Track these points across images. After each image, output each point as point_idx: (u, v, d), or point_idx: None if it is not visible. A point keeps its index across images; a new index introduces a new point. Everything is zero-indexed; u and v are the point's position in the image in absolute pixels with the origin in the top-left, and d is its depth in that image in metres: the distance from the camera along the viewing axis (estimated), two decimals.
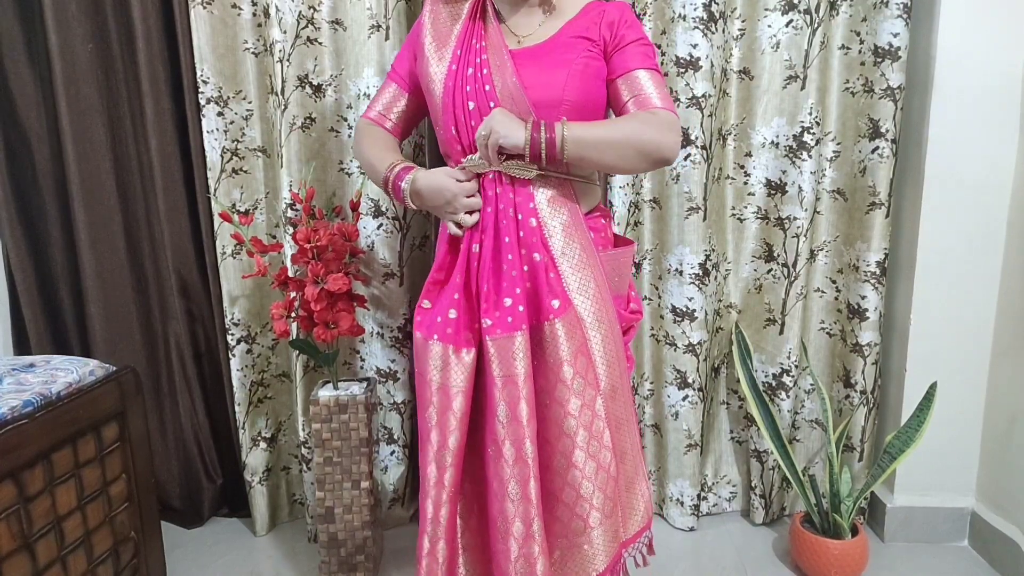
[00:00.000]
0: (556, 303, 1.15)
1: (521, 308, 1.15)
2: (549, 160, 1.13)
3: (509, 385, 1.14)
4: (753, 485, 1.97)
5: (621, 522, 1.24)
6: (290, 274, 1.76)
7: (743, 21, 1.80)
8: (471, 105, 1.17)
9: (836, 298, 1.90)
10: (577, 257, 1.19)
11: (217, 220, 1.82)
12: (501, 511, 1.15)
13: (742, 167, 1.87)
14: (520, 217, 1.17)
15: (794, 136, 1.79)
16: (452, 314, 1.18)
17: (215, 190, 1.82)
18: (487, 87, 1.16)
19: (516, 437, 1.13)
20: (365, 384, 1.77)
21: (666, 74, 1.77)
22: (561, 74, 1.15)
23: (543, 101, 1.15)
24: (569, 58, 1.17)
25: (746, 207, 1.89)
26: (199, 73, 1.75)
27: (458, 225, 1.21)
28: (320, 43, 1.78)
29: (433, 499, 1.18)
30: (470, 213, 1.19)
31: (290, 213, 1.80)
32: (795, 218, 1.81)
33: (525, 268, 1.17)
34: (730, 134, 1.86)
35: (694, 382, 1.88)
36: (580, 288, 1.18)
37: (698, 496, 1.96)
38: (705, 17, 1.70)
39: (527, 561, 1.14)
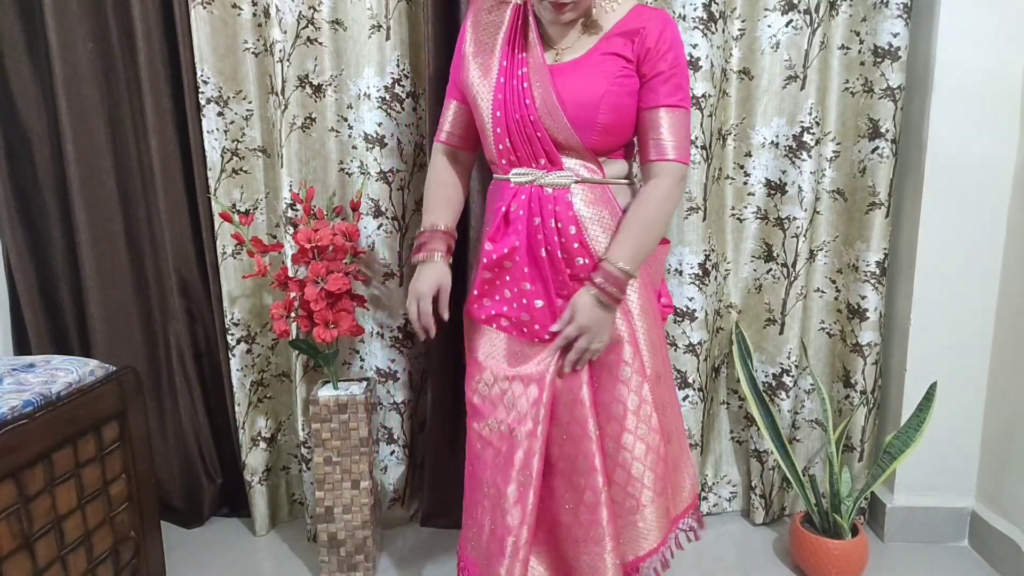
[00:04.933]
0: None
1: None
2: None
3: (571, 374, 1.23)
4: (753, 485, 1.97)
5: (671, 500, 1.33)
6: (290, 274, 1.76)
7: (743, 21, 1.80)
8: (517, 116, 1.22)
9: (836, 298, 1.90)
10: None
11: (217, 220, 1.82)
12: (571, 486, 1.23)
13: (742, 167, 1.87)
14: (560, 226, 1.22)
15: (794, 136, 1.79)
16: (525, 316, 1.25)
17: (215, 190, 1.82)
18: (527, 100, 1.20)
19: (580, 418, 1.22)
20: (365, 384, 1.77)
21: None
22: (596, 95, 1.18)
23: (578, 122, 1.19)
24: (605, 79, 1.19)
25: (746, 207, 1.89)
26: (199, 73, 1.75)
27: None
28: (320, 43, 1.78)
29: (519, 511, 1.21)
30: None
31: (290, 213, 1.80)
32: (795, 218, 1.81)
33: (568, 271, 1.23)
34: (730, 134, 1.86)
35: (694, 382, 1.88)
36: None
37: (698, 496, 1.96)
38: (705, 17, 1.70)
39: (598, 526, 1.21)
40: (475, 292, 1.32)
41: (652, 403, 1.25)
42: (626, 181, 1.30)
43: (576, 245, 1.22)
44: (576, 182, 1.23)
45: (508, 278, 1.27)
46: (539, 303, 1.24)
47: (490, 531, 1.24)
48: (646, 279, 1.30)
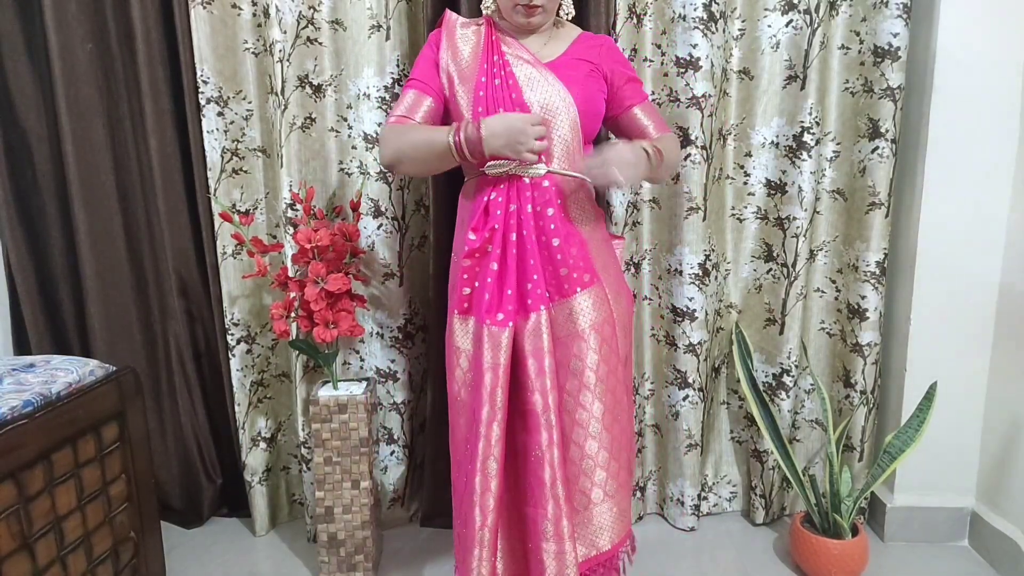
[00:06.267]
0: (587, 277, 1.30)
1: (540, 291, 1.28)
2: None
3: (537, 357, 1.26)
4: (753, 485, 1.97)
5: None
6: (290, 274, 1.76)
7: (743, 21, 1.80)
8: (500, 111, 1.31)
9: (836, 298, 1.90)
10: (599, 242, 1.38)
11: (217, 220, 1.82)
12: (529, 473, 1.27)
13: (742, 167, 1.87)
14: (538, 209, 1.31)
15: (794, 136, 1.79)
16: (509, 292, 1.29)
17: (215, 190, 1.82)
18: (513, 95, 1.31)
19: (544, 405, 1.26)
20: (365, 384, 1.77)
21: (666, 74, 1.78)
22: (574, 89, 1.33)
23: None
24: (577, 76, 1.35)
25: (746, 207, 1.89)
26: (199, 73, 1.75)
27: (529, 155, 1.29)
28: (320, 43, 1.78)
29: (481, 467, 1.24)
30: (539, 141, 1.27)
31: (290, 213, 1.80)
32: (795, 218, 1.81)
33: (546, 252, 1.30)
34: (730, 134, 1.86)
35: (694, 382, 1.88)
36: (603, 268, 1.35)
37: (698, 496, 1.96)
38: (705, 17, 1.70)
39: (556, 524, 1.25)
40: (457, 283, 1.35)
41: (624, 383, 1.34)
42: (587, 179, 1.36)
43: (552, 227, 1.29)
44: (549, 171, 1.32)
45: (487, 264, 1.31)
46: (509, 291, 1.29)
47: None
48: (620, 267, 1.43)
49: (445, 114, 1.41)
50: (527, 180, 1.31)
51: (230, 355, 1.89)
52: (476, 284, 1.32)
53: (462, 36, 1.39)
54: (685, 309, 1.85)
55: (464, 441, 1.32)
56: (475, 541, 1.23)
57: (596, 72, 1.38)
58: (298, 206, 1.78)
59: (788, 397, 1.89)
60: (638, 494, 2.00)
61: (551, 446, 1.23)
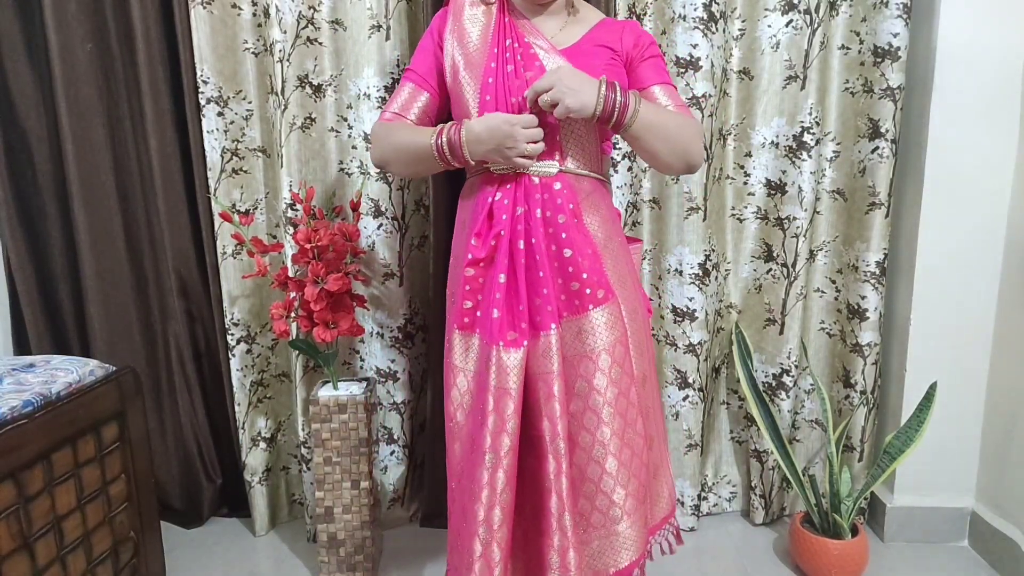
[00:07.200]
0: (601, 293, 1.18)
1: (551, 308, 1.16)
2: (615, 126, 1.16)
3: (546, 380, 1.16)
4: (753, 485, 1.97)
5: (650, 510, 1.27)
6: (290, 274, 1.76)
7: (743, 21, 1.80)
8: (513, 100, 1.20)
9: (836, 298, 1.90)
10: (615, 250, 1.25)
11: (217, 220, 1.82)
12: (542, 505, 1.15)
13: (742, 167, 1.87)
14: (548, 214, 1.19)
15: (794, 136, 1.79)
16: (496, 314, 1.16)
17: (215, 190, 1.82)
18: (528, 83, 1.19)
19: (552, 433, 1.15)
20: (365, 384, 1.77)
21: None
22: (595, 74, 1.19)
23: None
24: (596, 64, 1.21)
25: (746, 207, 1.89)
26: (199, 73, 1.75)
27: (523, 160, 1.18)
28: (320, 43, 1.78)
29: (486, 504, 1.12)
30: (533, 144, 1.16)
31: (290, 213, 1.80)
32: (795, 218, 1.81)
33: (557, 263, 1.18)
34: (730, 134, 1.86)
35: (694, 382, 1.88)
36: (620, 280, 1.22)
37: (698, 496, 1.96)
38: (705, 17, 1.70)
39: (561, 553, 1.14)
40: (457, 295, 1.24)
41: (637, 406, 1.20)
42: (604, 178, 1.30)
43: (564, 235, 1.17)
44: (561, 171, 1.21)
45: (493, 275, 1.19)
46: (521, 307, 1.17)
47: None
48: (637, 278, 1.30)
49: (445, 107, 1.33)
50: (536, 180, 1.19)
51: (230, 355, 1.89)
52: (479, 297, 1.20)
53: (470, 16, 1.26)
54: (685, 309, 1.85)
55: (459, 471, 1.21)
56: None
57: (617, 60, 1.24)
58: (298, 206, 1.78)
59: (788, 397, 1.89)
60: None
61: (559, 475, 1.13)
